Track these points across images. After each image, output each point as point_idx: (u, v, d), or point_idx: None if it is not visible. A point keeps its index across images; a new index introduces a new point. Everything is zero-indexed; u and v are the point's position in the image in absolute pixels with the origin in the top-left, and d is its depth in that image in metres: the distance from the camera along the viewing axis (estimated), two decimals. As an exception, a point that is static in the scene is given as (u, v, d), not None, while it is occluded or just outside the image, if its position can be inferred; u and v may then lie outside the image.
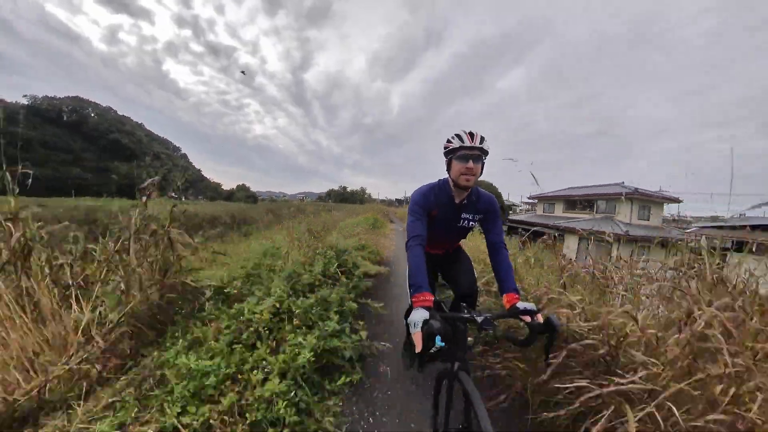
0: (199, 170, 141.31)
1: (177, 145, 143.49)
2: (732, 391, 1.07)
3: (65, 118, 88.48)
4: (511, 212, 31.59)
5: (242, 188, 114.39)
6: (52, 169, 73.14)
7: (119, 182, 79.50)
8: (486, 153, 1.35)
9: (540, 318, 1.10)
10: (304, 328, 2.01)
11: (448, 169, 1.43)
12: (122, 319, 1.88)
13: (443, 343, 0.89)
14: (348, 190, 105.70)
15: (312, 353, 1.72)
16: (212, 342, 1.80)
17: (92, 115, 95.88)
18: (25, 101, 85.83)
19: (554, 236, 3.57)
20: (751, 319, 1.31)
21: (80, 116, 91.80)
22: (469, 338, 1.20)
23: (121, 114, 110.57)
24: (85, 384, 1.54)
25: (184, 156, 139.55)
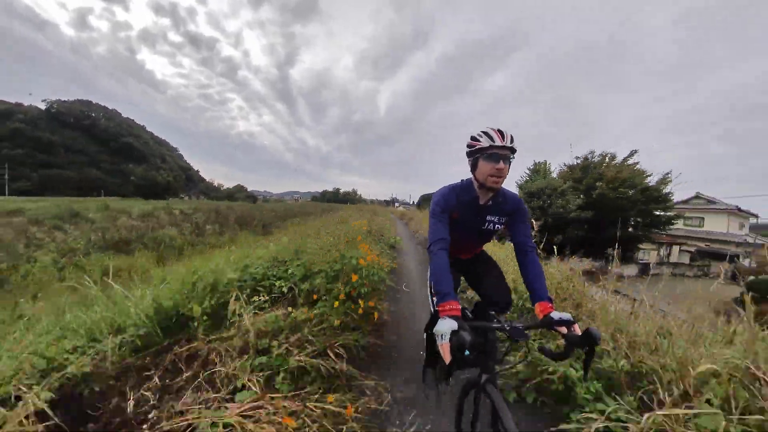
0: (197, 171, 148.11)
1: (174, 146, 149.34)
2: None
3: (71, 121, 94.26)
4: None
5: (240, 189, 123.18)
6: (76, 172, 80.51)
7: (136, 183, 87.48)
8: (515, 152, 1.26)
9: (577, 329, 1.01)
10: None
11: (473, 169, 1.34)
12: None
13: (469, 352, 0.87)
14: (341, 191, 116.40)
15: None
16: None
17: (100, 117, 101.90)
18: (43, 106, 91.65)
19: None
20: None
21: (92, 120, 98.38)
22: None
23: (125, 117, 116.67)
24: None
25: (181, 156, 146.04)
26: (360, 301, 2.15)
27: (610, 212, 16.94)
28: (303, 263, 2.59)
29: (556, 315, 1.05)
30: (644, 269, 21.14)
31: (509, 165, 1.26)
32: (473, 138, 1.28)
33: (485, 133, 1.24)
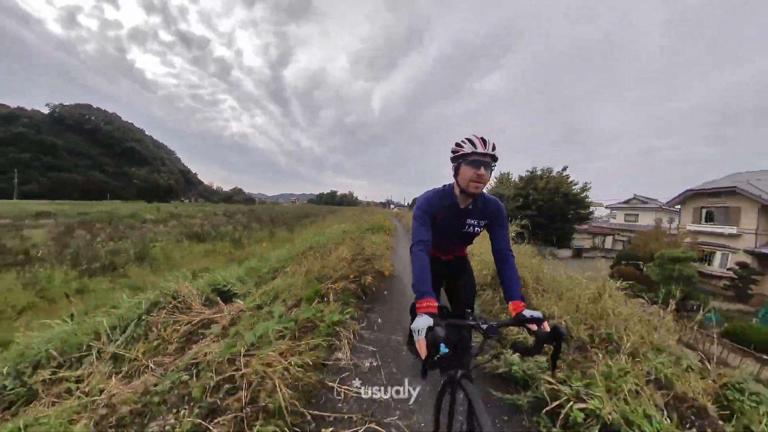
0: (195, 174, 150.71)
1: (171, 149, 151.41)
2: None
3: (73, 124, 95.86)
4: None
5: (238, 191, 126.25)
6: (81, 175, 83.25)
7: (138, 186, 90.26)
8: (496, 160, 1.34)
9: (546, 326, 1.09)
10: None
11: (456, 174, 1.42)
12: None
13: (447, 350, 0.90)
14: (338, 194, 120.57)
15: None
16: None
17: (100, 121, 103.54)
18: (47, 110, 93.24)
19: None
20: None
21: (93, 124, 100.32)
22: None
23: (125, 120, 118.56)
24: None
25: (178, 159, 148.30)
26: (386, 232, 8.58)
27: (545, 212, 23.39)
28: (369, 226, 8.78)
29: (527, 313, 1.12)
30: (577, 253, 27.83)
31: (490, 172, 1.35)
32: (457, 144, 1.37)
33: (469, 140, 1.32)
